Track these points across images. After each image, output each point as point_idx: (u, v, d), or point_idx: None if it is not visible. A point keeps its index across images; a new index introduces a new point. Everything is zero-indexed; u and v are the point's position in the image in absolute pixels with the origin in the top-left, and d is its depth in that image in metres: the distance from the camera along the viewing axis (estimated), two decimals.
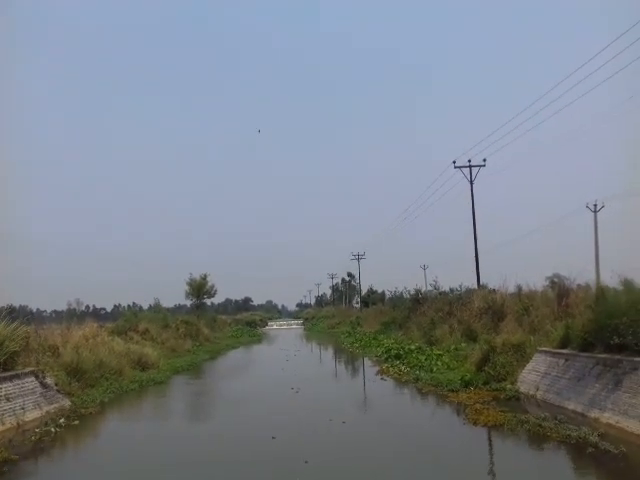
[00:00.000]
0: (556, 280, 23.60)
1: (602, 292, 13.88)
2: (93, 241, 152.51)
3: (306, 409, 14.46)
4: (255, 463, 9.48)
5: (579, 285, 18.63)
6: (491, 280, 29.22)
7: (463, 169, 32.79)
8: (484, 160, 32.36)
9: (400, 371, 20.52)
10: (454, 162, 32.99)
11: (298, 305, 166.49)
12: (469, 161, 32.65)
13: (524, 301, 20.02)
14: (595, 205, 40.43)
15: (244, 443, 11.11)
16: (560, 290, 18.14)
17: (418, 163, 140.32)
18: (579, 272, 19.10)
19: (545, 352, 14.50)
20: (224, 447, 10.91)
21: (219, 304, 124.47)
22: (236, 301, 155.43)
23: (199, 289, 53.54)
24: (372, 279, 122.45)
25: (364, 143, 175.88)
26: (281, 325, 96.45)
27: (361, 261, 77.10)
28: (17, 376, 14.04)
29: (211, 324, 51.33)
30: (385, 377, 20.16)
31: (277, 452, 10.10)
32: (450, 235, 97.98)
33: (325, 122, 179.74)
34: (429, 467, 9.06)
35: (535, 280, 26.29)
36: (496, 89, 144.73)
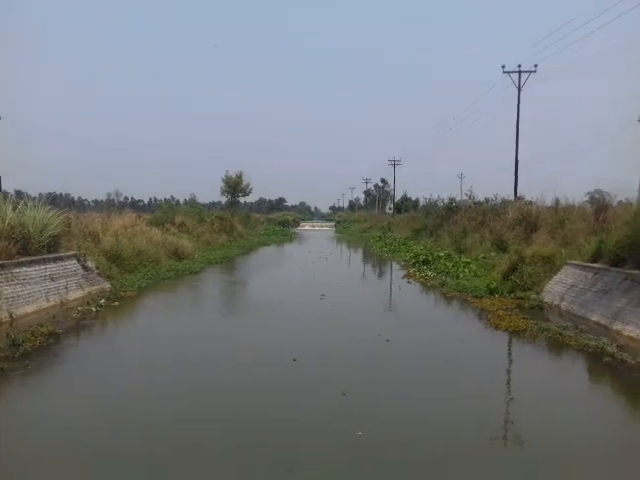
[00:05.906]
0: (597, 196, 22.91)
1: None
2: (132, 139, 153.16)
3: (331, 314, 13.75)
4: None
5: (620, 202, 18.10)
6: (529, 193, 28.53)
7: (512, 74, 31.13)
8: (535, 66, 30.60)
9: (427, 276, 20.79)
10: (503, 67, 31.26)
11: (331, 208, 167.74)
12: (519, 66, 30.89)
13: (560, 214, 19.64)
14: None
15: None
16: (599, 205, 17.63)
17: (465, 70, 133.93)
18: (622, 189, 18.48)
19: (574, 265, 14.42)
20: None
21: (253, 203, 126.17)
22: (270, 201, 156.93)
23: (235, 187, 54.00)
24: (407, 186, 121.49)
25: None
26: (313, 226, 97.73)
27: (397, 167, 76.14)
28: (60, 258, 14.81)
29: (245, 221, 52.38)
30: (412, 281, 20.50)
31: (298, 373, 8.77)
32: (491, 146, 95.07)
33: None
34: (447, 363, 9.37)
35: (575, 195, 25.57)
36: None
